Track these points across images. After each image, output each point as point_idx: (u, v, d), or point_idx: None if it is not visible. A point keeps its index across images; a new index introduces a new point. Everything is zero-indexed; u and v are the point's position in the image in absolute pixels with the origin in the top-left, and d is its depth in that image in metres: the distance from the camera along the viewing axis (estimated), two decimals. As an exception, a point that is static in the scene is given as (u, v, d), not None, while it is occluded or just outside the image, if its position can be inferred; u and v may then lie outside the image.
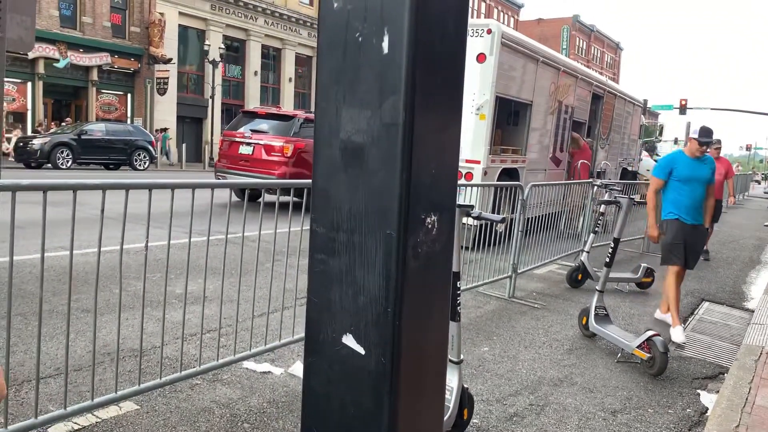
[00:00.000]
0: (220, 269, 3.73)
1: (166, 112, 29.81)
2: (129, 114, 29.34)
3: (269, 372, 3.96)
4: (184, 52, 31.20)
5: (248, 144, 11.96)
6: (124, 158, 22.41)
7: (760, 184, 46.86)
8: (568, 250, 8.24)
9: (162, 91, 29.41)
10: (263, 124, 12.35)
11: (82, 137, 21.00)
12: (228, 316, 4.47)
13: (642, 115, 19.69)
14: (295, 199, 3.90)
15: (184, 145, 28.17)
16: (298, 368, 3.98)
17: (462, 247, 3.51)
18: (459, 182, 8.06)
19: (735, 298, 7.55)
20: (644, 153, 24.35)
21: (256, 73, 34.17)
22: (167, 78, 29.31)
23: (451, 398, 3.15)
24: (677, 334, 5.35)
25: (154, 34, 28.77)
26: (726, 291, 7.84)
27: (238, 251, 3.60)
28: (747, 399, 3.88)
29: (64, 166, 20.18)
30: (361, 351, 1.69)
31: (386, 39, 1.58)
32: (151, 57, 28.90)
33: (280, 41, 35.43)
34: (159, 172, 23.40)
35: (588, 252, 7.02)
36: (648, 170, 23.13)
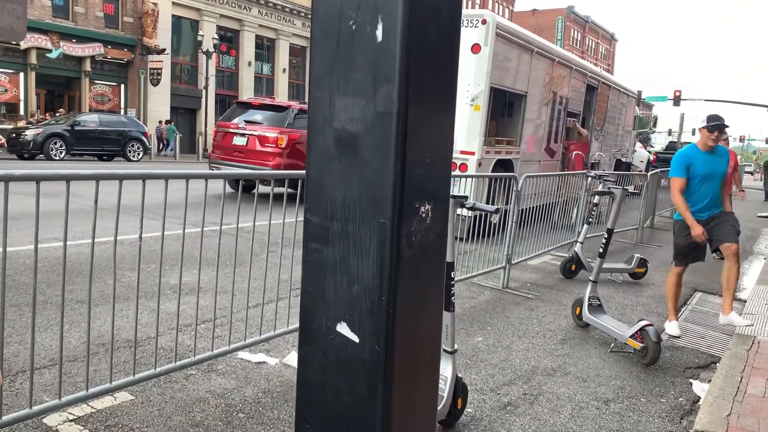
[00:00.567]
0: (214, 260, 3.73)
1: (159, 102, 29.64)
2: (122, 105, 29.17)
3: (264, 362, 3.96)
4: (177, 43, 30.99)
5: (242, 135, 11.91)
6: (118, 149, 22.30)
7: (752, 175, 47.08)
8: (562, 241, 8.27)
9: (155, 82, 29.24)
10: (257, 115, 12.31)
11: (76, 128, 20.86)
12: (223, 306, 4.48)
13: (636, 107, 19.74)
14: (289, 190, 3.90)
15: (178, 136, 28.05)
16: (293, 358, 3.99)
17: (456, 237, 3.52)
18: (454, 173, 8.08)
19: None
20: (638, 144, 24.42)
21: (249, 63, 34.00)
22: (160, 69, 29.12)
23: (445, 388, 3.16)
24: (672, 328, 5.37)
25: (147, 24, 28.57)
26: (718, 281, 7.85)
27: (232, 242, 3.60)
28: (738, 388, 3.91)
29: (57, 158, 20.05)
30: (356, 339, 1.69)
31: (380, 27, 1.57)
32: (144, 47, 28.71)
33: (274, 31, 35.25)
34: (153, 163, 23.31)
35: (582, 243, 7.05)
36: (642, 161, 23.27)
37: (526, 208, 6.99)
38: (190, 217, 3.20)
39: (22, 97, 25.44)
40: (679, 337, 5.29)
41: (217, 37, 30.46)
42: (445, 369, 3.19)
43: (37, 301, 2.83)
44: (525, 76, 10.09)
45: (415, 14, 1.57)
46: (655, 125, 29.11)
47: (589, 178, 8.29)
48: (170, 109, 30.34)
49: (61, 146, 20.30)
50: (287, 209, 3.85)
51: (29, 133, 20.05)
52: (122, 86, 29.14)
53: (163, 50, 28.92)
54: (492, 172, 9.15)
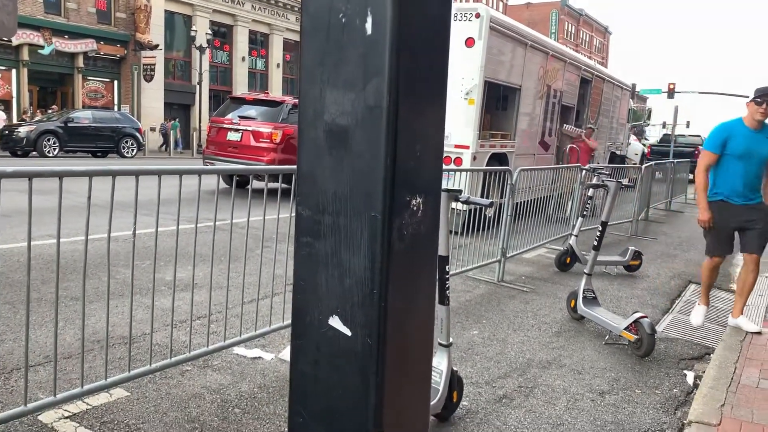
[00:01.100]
0: (208, 256, 3.72)
1: (153, 98, 29.55)
2: (116, 101, 29.06)
3: (260, 357, 3.97)
4: (170, 38, 30.88)
5: (236, 130, 11.89)
6: (112, 146, 22.22)
7: None
8: (556, 234, 8.29)
9: (149, 78, 29.13)
10: (251, 111, 12.28)
11: (69, 125, 20.77)
12: (218, 302, 4.47)
13: (630, 100, 19.77)
14: (283, 185, 3.89)
15: (171, 132, 27.98)
16: (288, 353, 3.99)
17: (451, 231, 3.52)
18: (448, 167, 8.10)
19: (721, 279, 7.61)
20: (632, 137, 24.46)
21: (243, 58, 33.89)
22: (154, 64, 29.02)
23: (440, 381, 3.17)
24: (697, 315, 5.31)
25: (140, 20, 28.43)
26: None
27: (226, 238, 3.59)
28: (732, 378, 3.94)
29: (50, 154, 19.97)
30: (348, 332, 1.70)
31: (369, 20, 1.57)
32: (137, 43, 28.59)
33: (267, 26, 35.13)
34: (147, 159, 23.23)
35: (576, 236, 7.06)
36: (636, 154, 23.31)
37: (521, 202, 7.00)
38: (184, 213, 3.20)
39: (14, 93, 25.31)
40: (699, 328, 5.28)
41: (210, 32, 30.34)
42: (441, 362, 3.20)
43: (32, 299, 2.83)
44: (519, 69, 10.09)
45: (404, 7, 1.57)
46: (649, 118, 29.15)
47: (584, 171, 8.31)
48: (164, 105, 30.25)
49: (54, 143, 20.23)
50: (281, 204, 3.85)
51: (22, 130, 19.97)
52: (115, 82, 29.05)
53: (156, 46, 28.80)
54: (487, 165, 9.16)
